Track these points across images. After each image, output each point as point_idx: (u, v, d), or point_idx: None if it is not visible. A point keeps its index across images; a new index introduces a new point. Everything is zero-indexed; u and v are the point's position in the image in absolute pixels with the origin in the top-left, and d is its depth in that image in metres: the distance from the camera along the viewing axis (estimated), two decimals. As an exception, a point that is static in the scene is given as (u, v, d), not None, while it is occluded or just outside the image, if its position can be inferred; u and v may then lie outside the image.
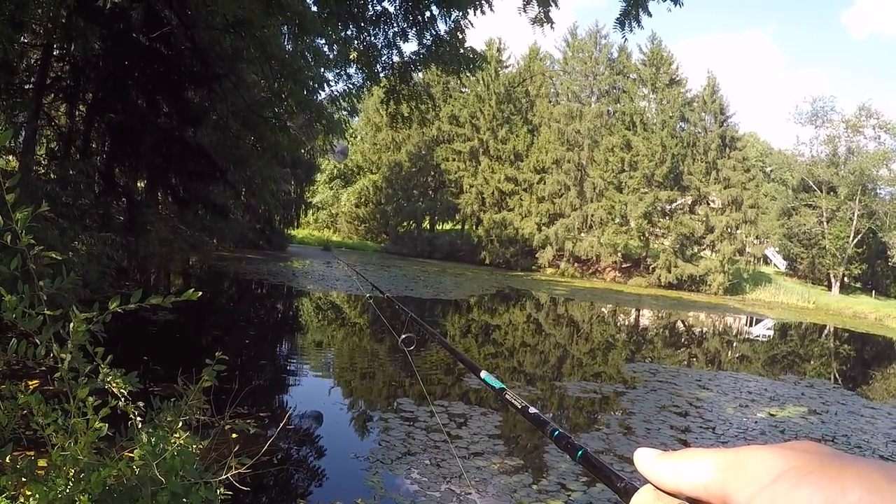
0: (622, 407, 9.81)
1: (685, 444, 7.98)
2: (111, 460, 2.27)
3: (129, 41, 14.44)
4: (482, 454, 6.77)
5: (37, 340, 2.19)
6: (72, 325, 2.19)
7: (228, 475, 2.48)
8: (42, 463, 2.74)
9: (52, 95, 16.77)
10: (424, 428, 7.43)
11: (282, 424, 5.86)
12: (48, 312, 2.18)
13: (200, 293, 2.33)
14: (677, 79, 48.60)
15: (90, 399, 2.24)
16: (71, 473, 2.24)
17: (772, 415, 10.18)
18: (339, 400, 9.09)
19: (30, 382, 6.07)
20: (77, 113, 17.27)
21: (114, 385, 2.39)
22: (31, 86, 15.36)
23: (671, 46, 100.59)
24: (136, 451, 2.37)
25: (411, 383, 10.21)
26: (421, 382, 9.76)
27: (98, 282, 10.71)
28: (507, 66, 55.04)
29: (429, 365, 11.98)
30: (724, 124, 47.25)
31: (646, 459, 0.49)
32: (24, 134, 14.62)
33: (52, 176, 15.18)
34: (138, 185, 20.01)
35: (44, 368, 2.29)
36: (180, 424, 2.55)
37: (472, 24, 11.88)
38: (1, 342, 2.25)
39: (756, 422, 9.57)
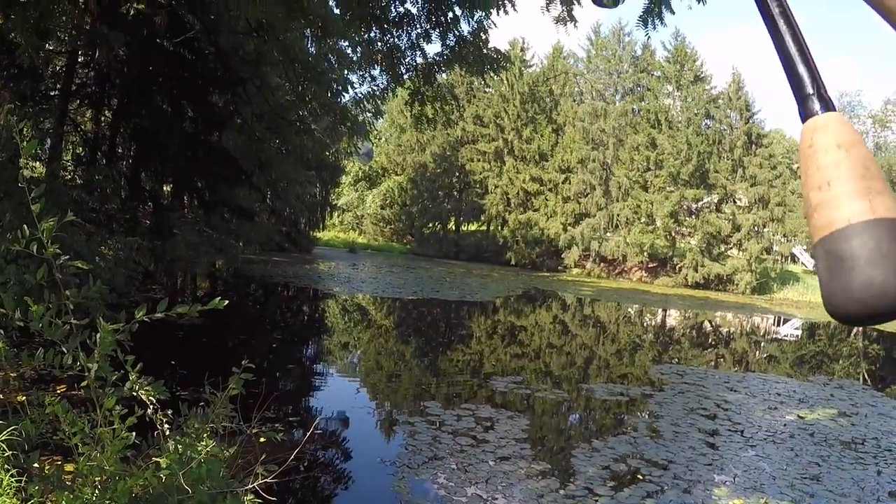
0: (649, 409, 9.71)
1: (713, 448, 7.89)
2: (137, 469, 2.27)
3: (152, 47, 14.56)
4: (509, 458, 6.72)
5: (63, 349, 2.19)
6: (98, 335, 2.19)
7: (255, 484, 2.46)
8: (69, 468, 2.75)
9: (78, 102, 16.94)
10: (451, 432, 7.40)
11: (309, 432, 5.86)
12: (75, 321, 2.18)
13: (227, 302, 2.32)
14: (702, 75, 48.04)
15: (117, 408, 2.24)
16: (97, 482, 2.24)
17: (801, 417, 10.01)
18: (366, 403, 9.08)
19: (56, 388, 6.13)
20: (103, 119, 17.45)
21: (142, 393, 2.39)
22: (56, 92, 15.52)
23: (695, 42, 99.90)
24: (162, 459, 2.37)
25: (437, 385, 10.19)
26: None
27: (125, 286, 10.81)
28: (530, 66, 54.67)
29: (456, 368, 11.96)
30: (750, 121, 46.63)
31: None
32: (50, 140, 14.79)
33: (78, 181, 15.35)
34: (164, 189, 20.14)
35: (70, 374, 2.28)
36: (207, 432, 2.54)
37: (495, 25, 11.86)
38: (28, 350, 2.25)
39: (785, 424, 9.42)
